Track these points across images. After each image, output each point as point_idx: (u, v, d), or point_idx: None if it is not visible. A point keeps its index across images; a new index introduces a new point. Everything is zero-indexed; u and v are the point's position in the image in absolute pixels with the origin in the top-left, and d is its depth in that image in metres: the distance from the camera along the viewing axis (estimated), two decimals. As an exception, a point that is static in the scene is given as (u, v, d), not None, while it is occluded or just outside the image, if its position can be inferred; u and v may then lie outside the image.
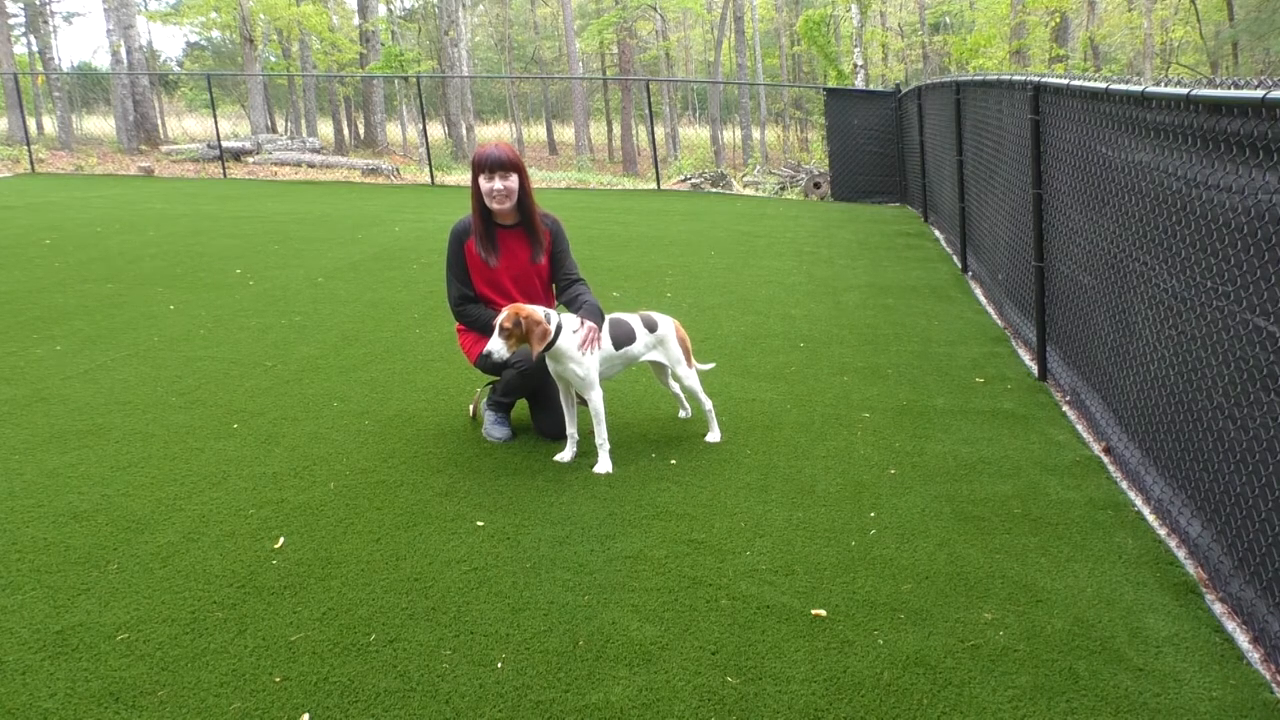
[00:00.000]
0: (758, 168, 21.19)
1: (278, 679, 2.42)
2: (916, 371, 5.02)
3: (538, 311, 3.60)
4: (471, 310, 3.98)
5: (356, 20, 29.07)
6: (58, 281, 6.99)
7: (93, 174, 16.57)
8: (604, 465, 3.73)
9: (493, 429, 4.06)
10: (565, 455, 3.84)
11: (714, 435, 4.07)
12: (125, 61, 21.41)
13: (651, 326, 3.99)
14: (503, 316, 3.56)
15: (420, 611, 2.74)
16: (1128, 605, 2.79)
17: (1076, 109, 4.20)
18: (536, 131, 40.83)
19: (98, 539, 3.13)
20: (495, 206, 3.85)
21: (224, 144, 18.43)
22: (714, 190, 15.34)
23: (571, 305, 3.91)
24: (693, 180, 16.10)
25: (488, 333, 3.75)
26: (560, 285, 4.01)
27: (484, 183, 3.82)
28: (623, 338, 3.90)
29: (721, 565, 3.01)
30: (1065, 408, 4.49)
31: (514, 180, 3.84)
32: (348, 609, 2.75)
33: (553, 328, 3.63)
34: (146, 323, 5.86)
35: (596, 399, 3.75)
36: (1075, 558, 3.07)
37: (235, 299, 6.49)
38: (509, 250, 3.95)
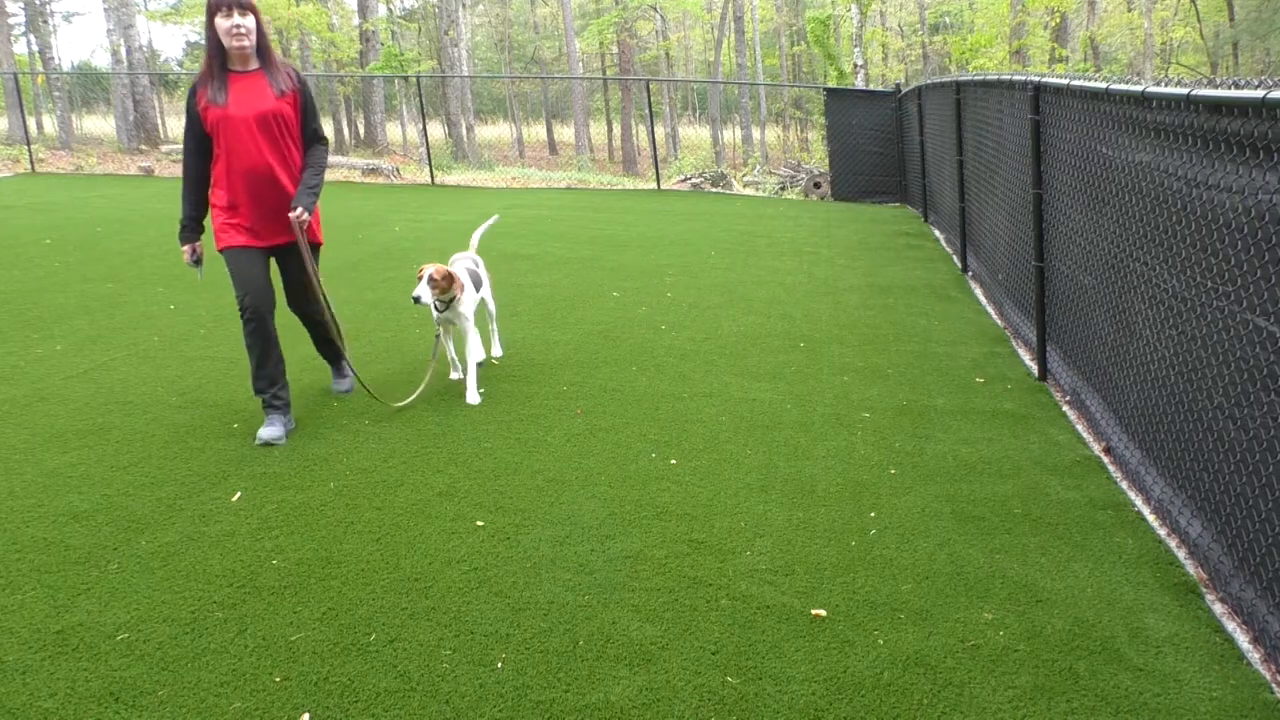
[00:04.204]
0: (758, 168, 21.19)
1: (278, 679, 2.43)
2: (916, 371, 5.02)
3: (458, 276, 4.42)
4: (187, 168, 3.95)
5: (356, 20, 29.07)
6: (58, 281, 6.99)
7: (93, 174, 16.56)
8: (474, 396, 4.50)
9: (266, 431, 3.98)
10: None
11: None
12: (125, 61, 21.41)
13: (477, 263, 4.89)
14: (432, 270, 4.27)
15: (420, 611, 2.74)
16: (1128, 605, 2.79)
17: (1077, 109, 4.20)
18: (536, 131, 40.81)
19: (98, 539, 3.13)
20: (234, 45, 3.79)
21: (224, 144, 18.37)
22: (714, 190, 15.34)
23: (306, 165, 4.04)
24: (693, 180, 16.10)
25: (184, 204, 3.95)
26: (306, 139, 4.05)
27: (222, 21, 3.76)
28: (474, 280, 4.65)
29: (721, 565, 3.01)
30: (1065, 408, 4.49)
31: (252, 20, 3.82)
32: (348, 609, 2.75)
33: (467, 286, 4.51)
34: (146, 322, 5.86)
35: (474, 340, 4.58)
36: (1075, 558, 3.07)
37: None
38: (248, 91, 3.86)
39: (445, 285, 4.33)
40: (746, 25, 32.92)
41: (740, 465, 3.79)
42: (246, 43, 3.81)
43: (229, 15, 3.75)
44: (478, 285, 4.71)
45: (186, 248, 4.00)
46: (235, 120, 3.81)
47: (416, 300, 4.17)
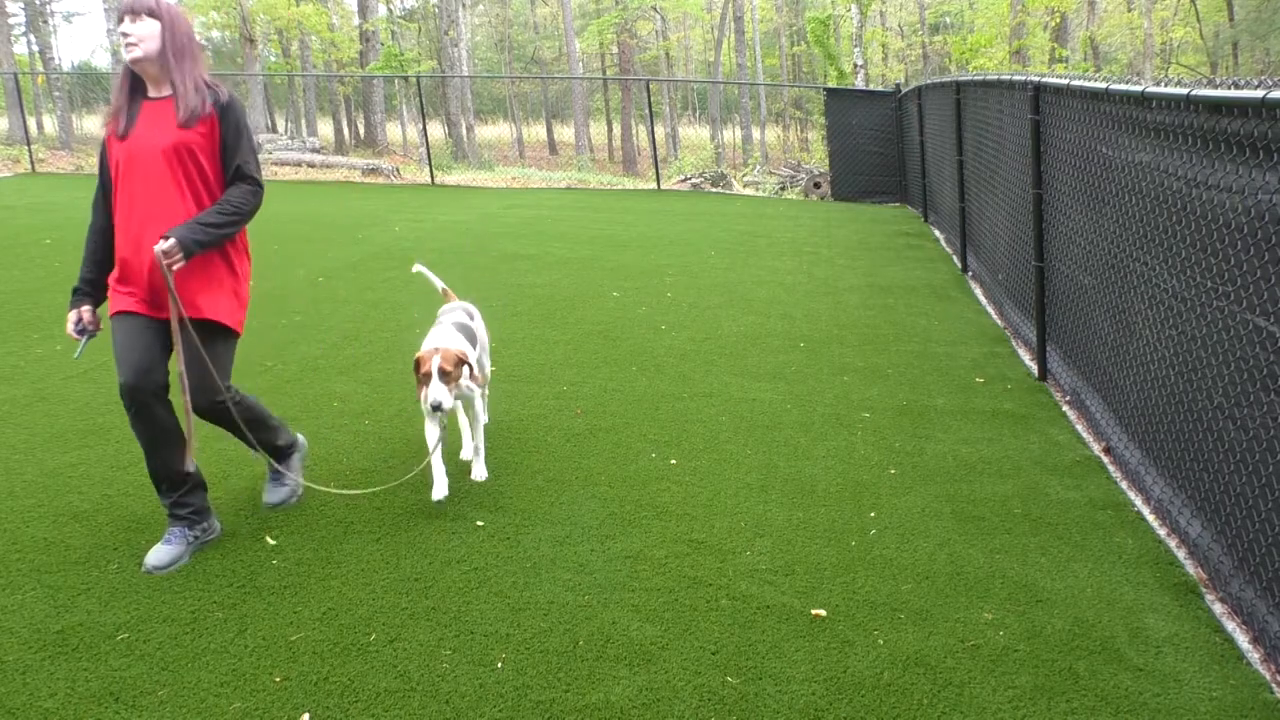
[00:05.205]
0: (758, 167, 21.19)
1: (278, 679, 2.43)
2: (916, 371, 5.02)
3: (465, 352, 3.40)
4: (91, 221, 3.07)
5: (356, 20, 29.08)
6: (58, 281, 6.99)
7: (93, 174, 16.56)
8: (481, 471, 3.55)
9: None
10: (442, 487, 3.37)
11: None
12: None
13: (471, 314, 3.82)
14: (440, 360, 3.21)
15: (420, 611, 2.74)
16: (1128, 605, 2.79)
17: (1077, 109, 4.20)
18: (536, 131, 40.80)
19: (98, 539, 3.13)
20: (128, 58, 2.95)
21: (224, 144, 18.35)
22: (714, 190, 15.34)
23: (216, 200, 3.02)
24: (693, 180, 16.09)
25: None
26: (229, 180, 3.03)
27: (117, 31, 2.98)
28: (471, 339, 3.62)
29: (721, 565, 3.01)
30: (1065, 408, 4.49)
31: (150, 26, 2.92)
32: (348, 609, 2.75)
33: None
34: (146, 323, 5.86)
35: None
36: (1075, 558, 3.07)
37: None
38: (153, 121, 2.96)
39: (459, 373, 3.30)
40: (746, 25, 32.93)
41: (740, 465, 3.79)
42: (139, 53, 2.92)
43: (119, 22, 2.96)
44: (473, 344, 3.61)
45: (73, 313, 2.99)
46: (132, 158, 2.93)
47: (437, 408, 3.17)
